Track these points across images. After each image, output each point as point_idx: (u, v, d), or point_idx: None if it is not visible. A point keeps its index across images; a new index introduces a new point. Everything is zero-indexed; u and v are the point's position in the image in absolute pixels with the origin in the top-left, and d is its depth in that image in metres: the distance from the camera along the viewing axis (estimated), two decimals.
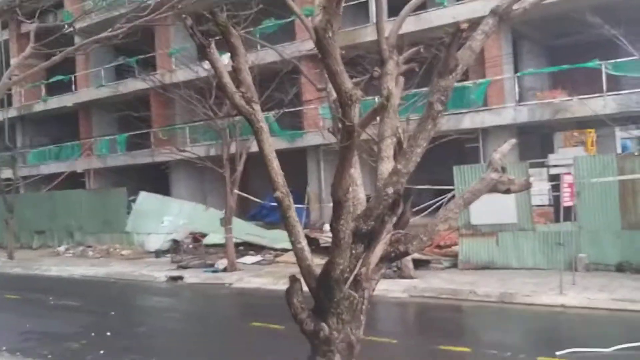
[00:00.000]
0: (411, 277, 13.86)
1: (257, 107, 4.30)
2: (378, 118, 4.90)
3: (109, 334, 10.30)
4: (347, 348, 4.40)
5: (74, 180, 28.77)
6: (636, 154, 16.68)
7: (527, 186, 4.36)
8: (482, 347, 8.97)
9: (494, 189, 4.33)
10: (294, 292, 4.39)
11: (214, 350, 9.47)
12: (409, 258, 14.15)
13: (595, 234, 13.13)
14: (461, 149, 19.01)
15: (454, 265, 14.99)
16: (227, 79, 4.20)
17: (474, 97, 18.40)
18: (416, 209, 13.51)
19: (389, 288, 13.00)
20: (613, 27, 14.26)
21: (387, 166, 5.01)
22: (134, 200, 23.69)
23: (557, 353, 8.03)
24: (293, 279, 4.41)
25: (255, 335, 10.11)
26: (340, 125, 3.80)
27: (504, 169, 4.25)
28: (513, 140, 4.56)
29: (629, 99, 16.01)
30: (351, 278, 4.32)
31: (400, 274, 13.99)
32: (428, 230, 4.50)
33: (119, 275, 17.97)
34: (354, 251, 4.36)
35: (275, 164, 4.35)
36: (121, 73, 28.35)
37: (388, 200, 4.37)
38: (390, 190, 4.37)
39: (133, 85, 26.50)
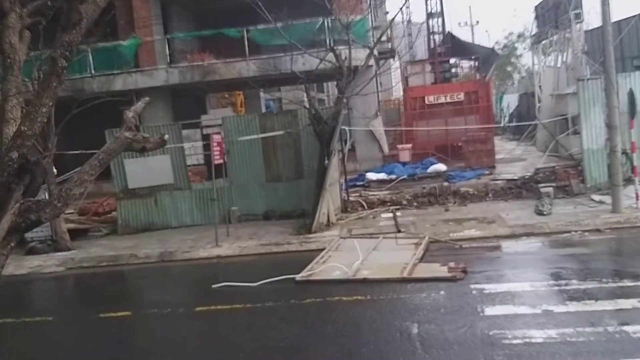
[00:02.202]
0: (68, 249, 13.11)
1: None
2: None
3: None
4: None
5: None
6: (275, 112, 18.67)
7: (162, 144, 4.45)
8: (143, 308, 9.09)
9: (129, 147, 4.31)
10: None
11: None
12: (64, 229, 13.37)
13: (245, 187, 14.30)
14: (116, 111, 18.47)
15: (115, 232, 14.64)
16: None
17: (125, 57, 17.96)
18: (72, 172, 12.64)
19: (43, 264, 12.17)
20: None
21: (13, 129, 4.56)
22: None
23: (213, 286, 9.17)
24: None
25: None
26: None
27: (137, 128, 4.26)
28: (147, 99, 4.60)
29: (267, 64, 17.70)
30: None
31: (56, 247, 13.13)
32: (62, 195, 4.27)
33: None
34: None
35: None
36: None
37: (13, 165, 4.00)
38: (14, 154, 4.00)
39: None
